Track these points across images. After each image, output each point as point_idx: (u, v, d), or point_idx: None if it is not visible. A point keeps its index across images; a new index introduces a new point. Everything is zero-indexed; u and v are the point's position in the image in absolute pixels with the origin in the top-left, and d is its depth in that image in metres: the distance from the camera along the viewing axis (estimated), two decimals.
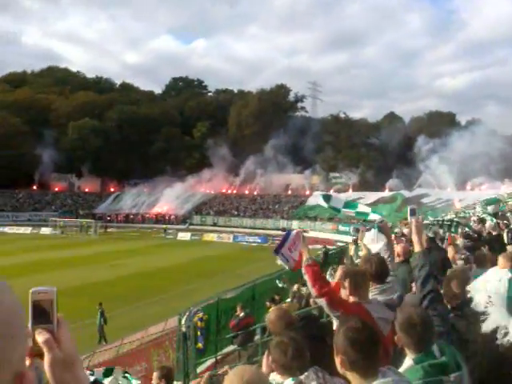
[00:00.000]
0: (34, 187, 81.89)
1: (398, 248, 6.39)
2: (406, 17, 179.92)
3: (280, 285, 16.67)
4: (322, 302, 3.67)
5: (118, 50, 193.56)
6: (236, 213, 69.12)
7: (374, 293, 3.98)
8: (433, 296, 3.46)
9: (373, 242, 5.69)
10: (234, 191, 79.62)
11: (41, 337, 0.95)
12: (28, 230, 58.36)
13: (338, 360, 2.33)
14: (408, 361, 2.62)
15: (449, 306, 3.95)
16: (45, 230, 57.56)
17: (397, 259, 5.98)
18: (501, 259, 4.55)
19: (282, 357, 2.68)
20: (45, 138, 79.47)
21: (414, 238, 3.80)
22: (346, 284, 3.76)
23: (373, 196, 61.93)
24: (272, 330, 3.75)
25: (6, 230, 58.57)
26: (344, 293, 3.83)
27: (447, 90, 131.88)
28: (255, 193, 77.55)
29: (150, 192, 77.62)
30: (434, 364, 2.51)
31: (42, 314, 0.97)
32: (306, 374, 2.65)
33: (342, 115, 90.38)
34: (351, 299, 3.70)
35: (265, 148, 77.80)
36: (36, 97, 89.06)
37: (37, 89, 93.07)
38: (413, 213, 3.96)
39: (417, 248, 3.73)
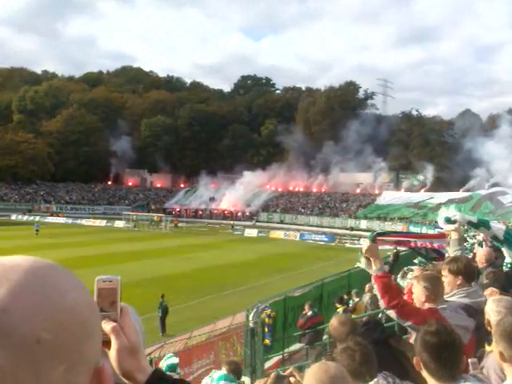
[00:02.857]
0: (109, 182, 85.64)
1: (480, 252, 6.06)
2: (484, 8, 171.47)
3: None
4: (392, 313, 3.59)
5: (189, 49, 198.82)
6: (303, 210, 68.82)
7: (460, 295, 3.82)
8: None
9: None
10: (301, 189, 79.27)
11: (107, 325, 0.96)
12: (103, 222, 61.05)
13: (415, 361, 2.35)
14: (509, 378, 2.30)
15: None
16: (118, 224, 59.87)
17: (480, 265, 5.69)
18: None
19: (350, 362, 2.64)
20: (119, 135, 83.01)
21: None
22: (422, 289, 3.64)
23: (445, 196, 59.77)
24: (335, 336, 3.72)
25: (83, 222, 61.60)
26: (417, 297, 3.72)
27: None
28: (323, 190, 76.84)
29: (218, 188, 78.88)
30: None
31: (107, 302, 0.99)
32: (375, 380, 2.61)
33: (415, 112, 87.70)
34: (426, 305, 3.59)
35: (333, 146, 76.91)
36: (111, 95, 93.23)
37: (112, 88, 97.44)
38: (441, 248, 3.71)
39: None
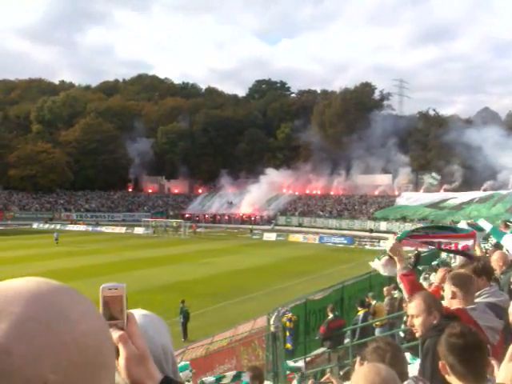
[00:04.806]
0: (128, 189, 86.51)
1: (495, 256, 5.90)
2: (502, 3, 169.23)
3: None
4: None
5: (204, 55, 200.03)
6: (321, 213, 68.57)
7: (485, 295, 3.75)
8: None
9: None
10: (319, 191, 79.02)
11: (114, 333, 0.94)
12: (123, 229, 61.61)
13: (440, 364, 2.31)
14: None
15: None
16: (138, 230, 60.36)
17: (498, 268, 5.58)
18: None
19: (380, 363, 2.54)
20: (136, 142, 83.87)
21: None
22: (450, 289, 3.56)
23: (465, 196, 59.02)
24: (419, 310, 3.29)
25: (103, 229, 62.24)
26: (446, 291, 3.67)
27: None
28: (341, 193, 76.51)
29: (236, 193, 79.09)
30: None
31: (113, 310, 0.98)
32: (405, 383, 2.52)
33: (432, 112, 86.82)
34: (454, 305, 3.50)
35: (349, 148, 76.56)
36: (127, 104, 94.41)
37: (128, 96, 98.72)
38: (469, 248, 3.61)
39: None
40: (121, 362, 0.95)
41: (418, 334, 3.34)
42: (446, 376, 2.25)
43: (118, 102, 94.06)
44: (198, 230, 60.49)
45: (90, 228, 62.79)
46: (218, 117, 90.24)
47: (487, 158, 63.26)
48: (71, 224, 65.66)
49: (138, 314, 1.31)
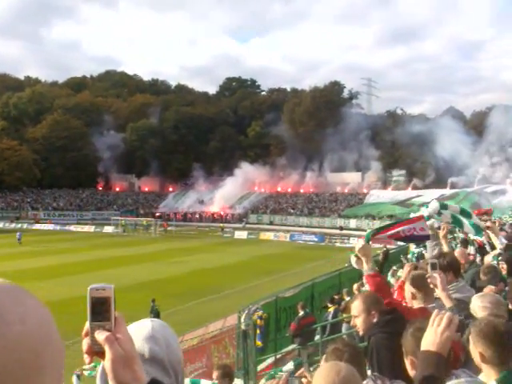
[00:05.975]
0: (97, 187, 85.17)
1: (456, 254, 6.09)
2: (468, 7, 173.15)
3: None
4: None
5: (174, 52, 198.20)
6: (292, 211, 68.96)
7: (451, 291, 3.87)
8: None
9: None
10: (289, 189, 79.46)
11: (100, 334, 0.95)
12: (92, 228, 60.79)
13: (408, 361, 2.32)
14: (489, 380, 2.34)
15: None
16: (108, 229, 59.63)
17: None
18: None
19: None
20: (105, 139, 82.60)
21: (441, 294, 3.57)
22: (410, 290, 3.71)
23: (432, 194, 60.23)
24: (357, 310, 3.42)
25: (72, 228, 61.21)
26: (407, 291, 3.80)
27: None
28: (311, 191, 77.09)
29: (207, 191, 78.86)
30: None
31: (100, 311, 0.97)
32: (364, 382, 2.57)
33: (399, 111, 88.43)
34: (415, 305, 3.67)
35: (320, 146, 77.20)
36: (96, 100, 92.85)
37: (96, 92, 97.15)
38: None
39: (447, 304, 3.50)
40: (106, 363, 0.95)
41: (360, 333, 3.48)
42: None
43: (86, 98, 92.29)
44: (169, 228, 60.13)
45: (57, 227, 61.58)
46: (188, 114, 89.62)
47: (453, 156, 64.73)
48: (38, 223, 64.30)
49: (159, 324, 1.36)
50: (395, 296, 4.71)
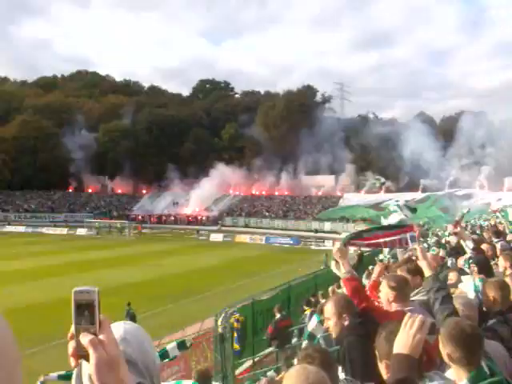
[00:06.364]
0: (69, 189, 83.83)
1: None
2: (438, 14, 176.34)
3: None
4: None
5: (147, 53, 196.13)
6: (267, 214, 69.16)
7: (422, 293, 4.02)
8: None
9: None
10: (264, 192, 79.68)
11: (85, 338, 0.95)
12: (64, 230, 59.73)
13: (382, 365, 2.34)
14: (460, 381, 2.43)
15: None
16: (80, 231, 58.78)
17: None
18: None
19: None
20: (77, 140, 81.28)
21: (422, 263, 3.75)
22: (387, 294, 3.77)
23: (404, 197, 61.27)
24: (337, 310, 3.49)
25: (44, 230, 60.08)
26: (383, 294, 3.86)
27: (480, 89, 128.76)
28: (285, 193, 77.47)
29: (182, 194, 78.46)
30: (492, 383, 2.38)
31: (85, 315, 0.97)
32: None
33: (371, 115, 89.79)
34: (394, 307, 3.71)
35: (294, 149, 77.68)
36: (67, 100, 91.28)
37: (67, 92, 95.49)
38: (413, 239, 3.91)
39: (427, 272, 3.68)
40: (90, 367, 0.94)
41: (333, 336, 3.60)
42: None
43: (56, 98, 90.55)
44: (144, 231, 59.65)
45: (29, 229, 60.42)
46: (161, 116, 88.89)
47: (424, 160, 66.03)
48: (9, 225, 62.97)
49: (132, 326, 1.40)
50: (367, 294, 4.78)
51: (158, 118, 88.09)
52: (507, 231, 12.65)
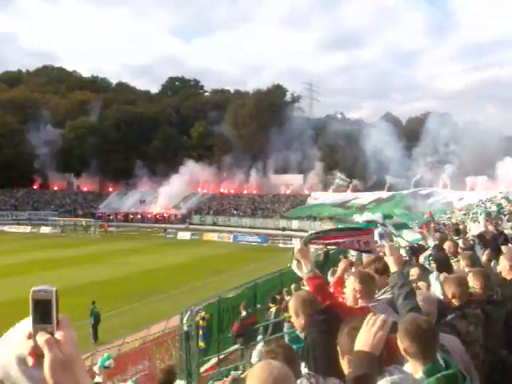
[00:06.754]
0: (33, 186, 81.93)
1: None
2: (405, 17, 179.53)
3: None
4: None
5: (115, 49, 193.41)
6: (235, 212, 69.18)
7: (389, 292, 4.07)
8: (416, 312, 3.39)
9: None
10: (232, 191, 79.70)
11: (41, 337, 0.93)
12: (28, 229, 58.49)
13: (344, 361, 2.37)
14: (416, 373, 2.50)
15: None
16: (44, 229, 57.66)
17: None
18: None
19: None
20: (42, 136, 79.44)
21: (389, 259, 3.78)
22: (353, 291, 3.82)
23: (370, 196, 62.37)
24: (297, 310, 3.53)
25: (6, 228, 58.66)
26: (348, 291, 3.92)
27: (445, 91, 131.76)
28: (254, 192, 77.66)
29: (149, 191, 77.77)
30: (446, 375, 2.47)
31: (42, 314, 0.95)
32: (298, 381, 2.60)
33: (339, 115, 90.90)
34: (359, 303, 3.78)
35: (263, 147, 77.95)
36: (32, 96, 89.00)
37: (32, 88, 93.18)
38: (381, 236, 3.95)
39: (393, 268, 3.72)
40: (45, 367, 0.92)
41: (298, 332, 3.63)
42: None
43: (21, 93, 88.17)
44: (110, 229, 58.86)
45: None
46: (129, 112, 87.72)
47: (390, 159, 67.24)
48: None
49: None
50: (331, 291, 4.80)
51: (126, 114, 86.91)
52: (468, 229, 12.97)
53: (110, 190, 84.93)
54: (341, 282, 4.50)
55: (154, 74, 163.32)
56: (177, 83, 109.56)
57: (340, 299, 4.33)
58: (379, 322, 2.14)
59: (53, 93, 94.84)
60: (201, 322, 13.23)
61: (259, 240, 51.35)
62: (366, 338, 2.13)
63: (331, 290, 4.91)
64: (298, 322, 3.50)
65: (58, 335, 0.94)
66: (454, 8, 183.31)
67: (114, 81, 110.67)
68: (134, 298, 22.72)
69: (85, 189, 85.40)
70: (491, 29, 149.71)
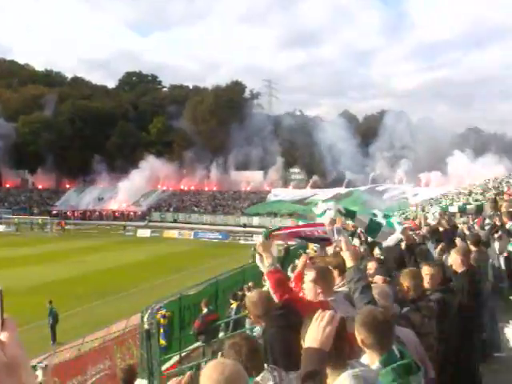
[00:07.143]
0: None
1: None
2: (360, 16, 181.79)
3: None
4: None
5: (70, 42, 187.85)
6: (196, 209, 68.87)
7: (342, 286, 4.19)
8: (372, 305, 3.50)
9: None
10: (193, 187, 79.25)
11: None
12: None
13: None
14: (372, 364, 2.58)
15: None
16: None
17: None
18: None
19: (237, 358, 2.64)
20: None
21: (345, 254, 3.87)
22: (314, 288, 3.89)
23: (329, 192, 63.30)
24: (251, 310, 3.66)
25: None
26: (308, 285, 3.97)
27: (400, 90, 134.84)
28: (214, 189, 77.49)
29: (108, 188, 76.40)
30: (401, 365, 2.54)
31: None
32: (262, 374, 2.66)
33: (298, 113, 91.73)
34: (319, 297, 3.85)
35: (222, 144, 77.84)
36: None
37: None
38: (339, 231, 4.07)
39: (349, 263, 3.81)
40: None
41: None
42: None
43: None
44: (67, 227, 57.57)
45: None
46: (85, 107, 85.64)
47: (347, 156, 68.45)
48: None
49: None
50: (292, 286, 4.90)
51: (81, 109, 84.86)
52: (423, 225, 13.36)
53: (67, 186, 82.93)
54: (301, 278, 4.58)
55: (110, 68, 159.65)
56: (134, 78, 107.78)
57: (300, 294, 4.42)
58: (327, 317, 2.19)
59: (4, 87, 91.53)
60: (162, 319, 13.19)
61: (220, 237, 51.39)
62: (315, 334, 2.16)
63: (292, 285, 5.00)
64: (254, 319, 3.59)
65: (2, 336, 0.90)
66: (408, 8, 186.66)
67: (69, 75, 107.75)
68: (92, 297, 22.39)
69: (40, 186, 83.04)
70: (443, 29, 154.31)
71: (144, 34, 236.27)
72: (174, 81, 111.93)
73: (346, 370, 2.22)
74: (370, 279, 5.43)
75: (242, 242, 47.57)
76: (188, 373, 2.85)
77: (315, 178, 73.16)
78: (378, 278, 5.13)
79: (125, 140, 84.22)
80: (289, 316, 3.43)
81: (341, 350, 2.25)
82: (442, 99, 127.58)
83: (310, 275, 3.98)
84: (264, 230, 5.05)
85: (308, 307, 3.55)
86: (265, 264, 4.03)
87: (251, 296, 3.77)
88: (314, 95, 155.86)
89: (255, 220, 59.33)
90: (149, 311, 12.86)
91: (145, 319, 12.62)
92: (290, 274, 10.13)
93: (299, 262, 5.68)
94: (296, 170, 76.68)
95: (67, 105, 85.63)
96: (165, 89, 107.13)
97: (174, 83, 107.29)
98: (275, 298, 3.74)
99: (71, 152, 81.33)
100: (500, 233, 9.51)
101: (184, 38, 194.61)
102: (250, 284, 14.55)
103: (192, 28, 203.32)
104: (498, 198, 18.43)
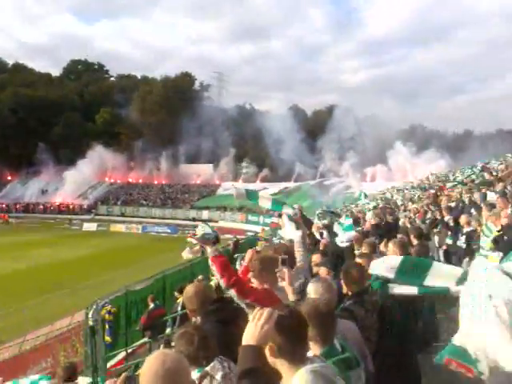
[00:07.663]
0: None
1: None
2: (310, 12, 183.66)
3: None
4: (232, 292, 3.77)
5: (10, 27, 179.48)
6: (144, 202, 67.85)
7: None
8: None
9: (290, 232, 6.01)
10: (141, 180, 78.03)
11: None
12: None
13: (267, 349, 2.32)
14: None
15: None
16: None
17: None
18: None
19: (189, 347, 2.68)
20: None
21: (287, 287, 3.90)
22: (258, 270, 3.97)
23: (278, 186, 63.95)
24: (187, 305, 3.69)
25: None
26: (252, 278, 4.04)
27: (347, 86, 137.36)
28: (163, 182, 76.59)
29: (52, 180, 74.10)
30: (341, 359, 2.58)
31: None
32: (211, 364, 2.68)
33: (248, 106, 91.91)
34: (263, 285, 3.92)
35: (173, 136, 76.92)
36: None
37: None
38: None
39: (291, 298, 3.84)
40: None
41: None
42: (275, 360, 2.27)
43: None
44: (10, 220, 55.62)
45: None
46: (28, 96, 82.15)
47: (296, 150, 69.31)
48: None
49: None
50: None
51: (23, 98, 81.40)
52: (367, 218, 13.71)
53: (9, 178, 79.72)
54: (247, 271, 4.63)
55: (54, 55, 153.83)
56: (79, 66, 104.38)
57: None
58: (266, 315, 2.19)
59: None
60: (107, 316, 12.94)
61: (169, 231, 51.01)
62: (252, 331, 2.17)
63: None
64: (190, 314, 3.63)
65: None
66: (355, 5, 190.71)
67: (9, 61, 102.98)
68: (35, 293, 21.80)
69: None
70: (390, 26, 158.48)
71: (90, 22, 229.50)
72: (121, 70, 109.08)
73: (304, 365, 2.21)
74: (316, 269, 5.53)
75: None
76: (123, 374, 2.77)
77: (265, 171, 73.58)
78: (323, 270, 5.22)
79: (70, 130, 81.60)
80: (224, 310, 3.49)
81: (296, 345, 2.23)
82: (388, 95, 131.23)
83: (247, 261, 3.97)
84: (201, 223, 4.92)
85: (252, 293, 3.74)
86: (208, 251, 4.02)
87: (187, 291, 3.77)
88: (264, 89, 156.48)
89: (205, 214, 59.13)
90: (94, 307, 12.58)
91: (89, 315, 12.34)
92: (237, 267, 10.16)
93: (246, 256, 5.72)
94: (245, 164, 76.88)
95: (8, 92, 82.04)
96: (112, 78, 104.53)
97: (121, 73, 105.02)
98: (223, 283, 3.79)
99: (13, 142, 78.07)
100: (439, 226, 9.87)
101: (133, 28, 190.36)
102: (199, 277, 14.46)
103: (141, 17, 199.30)
104: (438, 192, 19.14)
